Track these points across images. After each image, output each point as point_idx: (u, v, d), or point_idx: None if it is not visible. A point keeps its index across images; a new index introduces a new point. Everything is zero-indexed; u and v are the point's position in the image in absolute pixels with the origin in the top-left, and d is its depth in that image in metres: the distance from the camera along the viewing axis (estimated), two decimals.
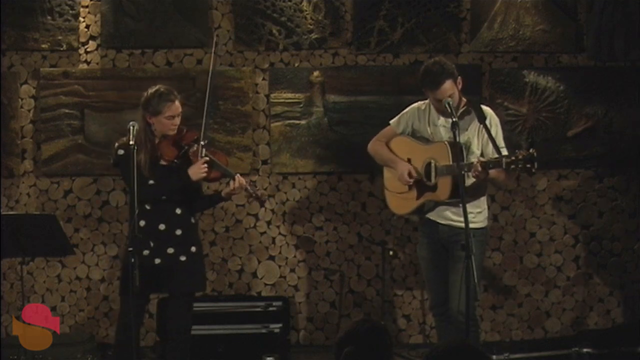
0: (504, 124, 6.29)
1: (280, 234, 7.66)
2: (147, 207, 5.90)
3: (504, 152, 5.85)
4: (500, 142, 5.93)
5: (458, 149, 5.76)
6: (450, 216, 5.99)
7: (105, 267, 7.55)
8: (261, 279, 7.65)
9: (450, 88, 5.89)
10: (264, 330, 7.23)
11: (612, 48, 7.60)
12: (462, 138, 5.90)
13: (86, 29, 7.53)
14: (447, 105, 5.81)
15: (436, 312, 6.21)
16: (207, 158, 5.89)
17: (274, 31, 7.57)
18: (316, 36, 7.59)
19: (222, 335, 7.20)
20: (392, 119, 6.26)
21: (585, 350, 7.08)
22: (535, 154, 5.59)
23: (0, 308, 7.38)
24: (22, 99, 7.51)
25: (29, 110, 7.53)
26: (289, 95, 7.59)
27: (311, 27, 7.58)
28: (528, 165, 5.58)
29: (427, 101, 6.10)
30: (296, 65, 7.62)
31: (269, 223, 7.66)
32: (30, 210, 7.43)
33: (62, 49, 7.49)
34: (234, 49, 7.59)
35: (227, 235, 7.64)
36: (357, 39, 7.61)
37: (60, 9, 7.46)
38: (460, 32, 7.63)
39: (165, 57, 7.57)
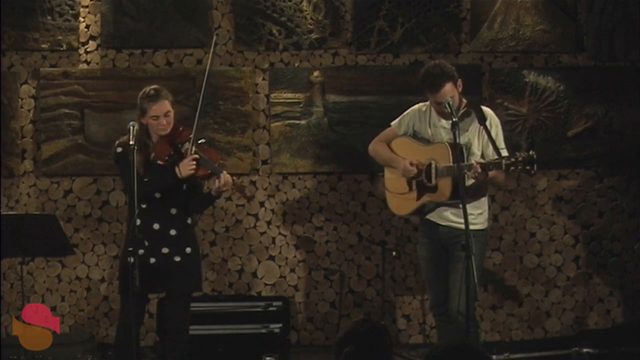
0: (504, 124, 6.29)
1: (280, 234, 7.66)
2: (143, 206, 5.91)
3: (504, 153, 5.86)
4: (501, 143, 5.93)
5: (458, 150, 5.77)
6: (450, 217, 5.99)
7: (105, 267, 7.55)
8: (261, 279, 7.65)
9: (450, 91, 5.89)
10: (264, 330, 7.23)
11: (612, 48, 7.60)
12: (463, 139, 5.90)
13: (86, 29, 7.53)
14: (447, 105, 5.81)
15: (436, 312, 6.21)
16: (196, 155, 5.91)
17: (274, 31, 7.57)
18: (316, 36, 7.59)
19: (222, 335, 7.20)
20: (392, 119, 6.27)
21: (585, 350, 7.08)
22: (535, 155, 5.59)
23: (0, 308, 7.38)
24: (22, 99, 7.51)
25: (29, 110, 7.53)
26: (289, 95, 7.59)
27: (311, 27, 7.58)
28: (527, 167, 5.59)
29: (427, 102, 6.11)
30: (296, 65, 7.62)
31: (269, 223, 7.66)
32: (30, 210, 7.43)
33: (62, 49, 7.49)
34: (234, 49, 7.60)
35: (227, 235, 7.64)
36: (357, 39, 7.61)
37: (60, 9, 7.46)
38: (460, 32, 7.63)
39: (165, 57, 7.58)
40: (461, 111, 5.98)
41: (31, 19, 7.44)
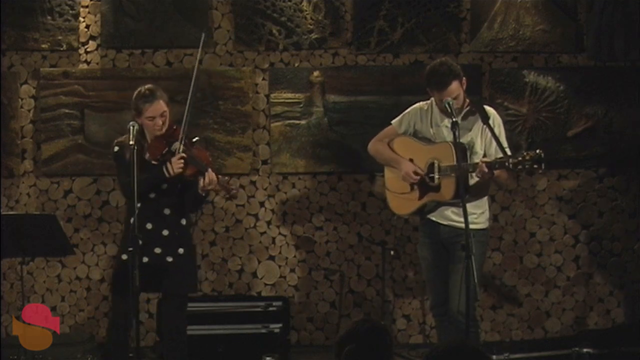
0: (504, 124, 6.29)
1: (280, 234, 7.66)
2: (138, 205, 5.90)
3: (508, 152, 5.84)
4: (504, 142, 5.92)
5: (460, 149, 5.76)
6: (451, 217, 5.98)
7: (105, 267, 7.54)
8: (261, 279, 7.65)
9: (456, 89, 5.89)
10: (264, 330, 7.23)
11: (612, 48, 7.60)
12: (466, 138, 5.90)
13: (86, 29, 7.53)
14: (447, 106, 5.80)
15: (436, 312, 6.20)
16: (183, 154, 5.90)
17: (274, 31, 7.57)
18: (316, 36, 7.59)
19: (222, 335, 7.20)
20: (392, 119, 6.25)
21: (585, 350, 7.07)
22: (542, 154, 5.59)
23: (0, 308, 7.38)
24: (22, 99, 7.51)
25: (29, 110, 7.53)
26: (289, 95, 7.59)
27: (311, 27, 7.58)
28: (535, 166, 5.59)
29: (429, 101, 6.09)
30: (296, 65, 7.62)
31: (269, 223, 7.66)
32: (30, 210, 7.42)
33: (62, 49, 7.49)
34: (234, 49, 7.59)
35: (227, 235, 7.64)
36: (357, 39, 7.61)
37: (60, 9, 7.46)
38: (460, 32, 7.63)
39: (165, 57, 7.57)
40: (465, 109, 5.97)
41: (31, 19, 7.44)
